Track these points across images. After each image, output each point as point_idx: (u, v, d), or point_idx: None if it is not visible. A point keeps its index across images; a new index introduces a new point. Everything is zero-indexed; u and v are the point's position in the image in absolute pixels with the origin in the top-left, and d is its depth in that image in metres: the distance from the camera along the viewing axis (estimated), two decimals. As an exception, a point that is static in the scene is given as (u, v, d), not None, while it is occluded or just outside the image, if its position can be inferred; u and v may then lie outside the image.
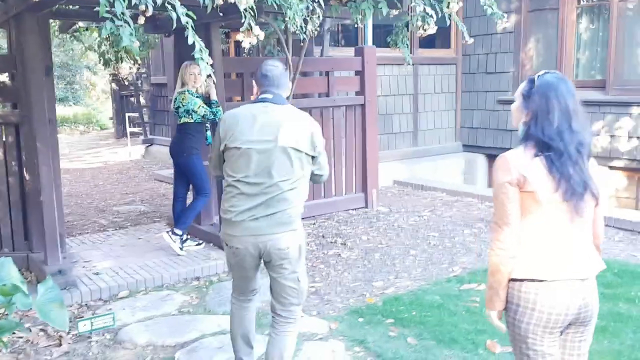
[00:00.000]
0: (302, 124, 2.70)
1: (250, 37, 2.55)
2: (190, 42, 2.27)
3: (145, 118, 12.23)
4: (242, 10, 2.64)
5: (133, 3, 2.26)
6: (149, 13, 2.42)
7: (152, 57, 11.24)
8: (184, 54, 5.14)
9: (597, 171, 2.05)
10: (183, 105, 4.86)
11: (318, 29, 3.39)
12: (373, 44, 6.98)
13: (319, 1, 3.18)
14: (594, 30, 7.78)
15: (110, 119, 16.05)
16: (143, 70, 11.32)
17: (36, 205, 4.48)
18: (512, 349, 2.11)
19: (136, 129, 12.86)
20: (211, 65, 2.40)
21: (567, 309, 1.96)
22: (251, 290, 2.95)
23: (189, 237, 5.17)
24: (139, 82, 12.33)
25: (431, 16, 3.64)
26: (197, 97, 4.92)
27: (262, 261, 2.78)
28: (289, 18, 2.91)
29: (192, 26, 2.29)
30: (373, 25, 7.00)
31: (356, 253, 5.21)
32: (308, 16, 3.14)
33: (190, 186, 5.17)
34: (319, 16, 3.19)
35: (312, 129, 2.71)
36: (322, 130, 6.34)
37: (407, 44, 4.67)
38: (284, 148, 2.61)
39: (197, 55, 2.17)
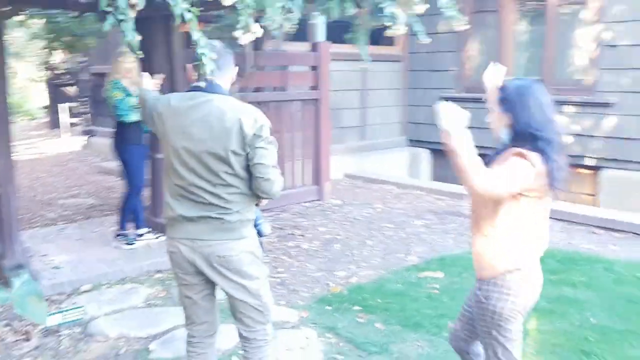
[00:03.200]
0: (236, 117, 2.30)
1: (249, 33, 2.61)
2: (195, 37, 2.28)
3: (85, 109, 11.82)
4: (227, 4, 2.69)
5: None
6: (140, 7, 2.44)
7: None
8: (147, 46, 5.07)
9: None
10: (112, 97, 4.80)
11: (295, 26, 3.48)
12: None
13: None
14: (531, 32, 8.23)
15: (45, 108, 15.36)
16: (84, 59, 10.93)
17: (-9, 198, 4.34)
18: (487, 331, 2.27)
19: (75, 120, 12.41)
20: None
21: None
22: (203, 323, 2.60)
23: (150, 230, 5.13)
24: (78, 71, 11.90)
25: (397, 17, 3.80)
26: (120, 87, 4.79)
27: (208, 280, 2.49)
28: (269, 17, 2.99)
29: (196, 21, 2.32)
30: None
31: (316, 244, 5.34)
32: (284, 14, 3.22)
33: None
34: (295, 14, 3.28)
35: (248, 125, 2.30)
36: (276, 124, 6.54)
37: (366, 42, 4.80)
38: (213, 147, 2.30)
39: (200, 51, 2.21)
